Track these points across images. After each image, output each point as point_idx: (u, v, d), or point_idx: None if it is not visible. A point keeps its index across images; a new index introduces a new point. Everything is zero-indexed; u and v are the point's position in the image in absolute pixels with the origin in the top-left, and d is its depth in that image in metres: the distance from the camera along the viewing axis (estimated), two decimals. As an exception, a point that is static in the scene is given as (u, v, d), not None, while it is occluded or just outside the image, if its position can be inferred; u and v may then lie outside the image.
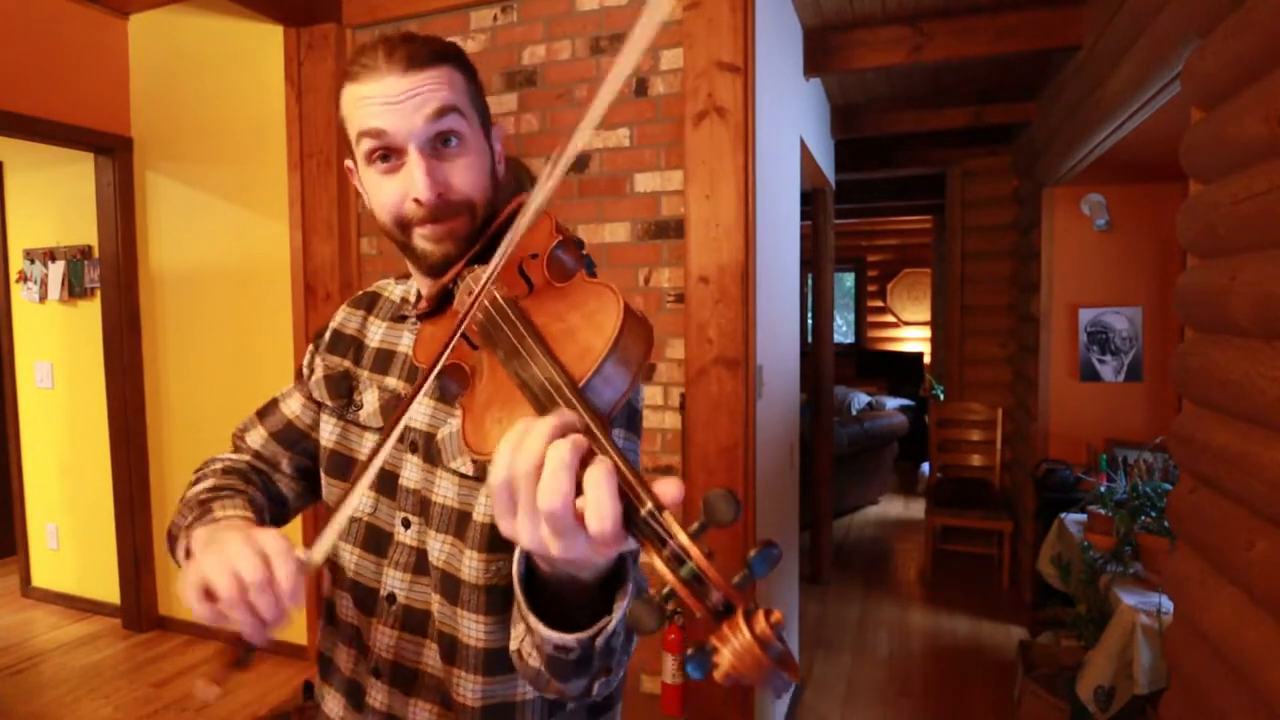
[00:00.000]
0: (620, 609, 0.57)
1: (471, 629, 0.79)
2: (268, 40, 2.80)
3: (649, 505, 0.45)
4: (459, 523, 0.79)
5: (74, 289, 3.36)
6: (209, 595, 0.60)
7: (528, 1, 2.37)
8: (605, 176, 2.30)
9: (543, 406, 0.52)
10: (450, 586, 0.79)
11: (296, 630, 2.95)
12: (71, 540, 3.55)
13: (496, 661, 0.79)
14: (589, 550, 0.47)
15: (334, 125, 2.63)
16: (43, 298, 3.45)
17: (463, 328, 0.63)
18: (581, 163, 2.32)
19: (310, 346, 0.98)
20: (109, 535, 3.33)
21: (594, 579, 0.55)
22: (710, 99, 2.10)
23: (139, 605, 3.28)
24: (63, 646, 3.17)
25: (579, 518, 0.46)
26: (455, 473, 0.80)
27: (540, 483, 0.46)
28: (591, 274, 0.72)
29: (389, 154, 0.74)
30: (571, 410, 0.50)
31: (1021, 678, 2.62)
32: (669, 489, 0.46)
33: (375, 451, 0.62)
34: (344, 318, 0.96)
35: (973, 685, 3.05)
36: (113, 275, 3.18)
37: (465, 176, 0.76)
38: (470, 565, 0.78)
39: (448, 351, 0.63)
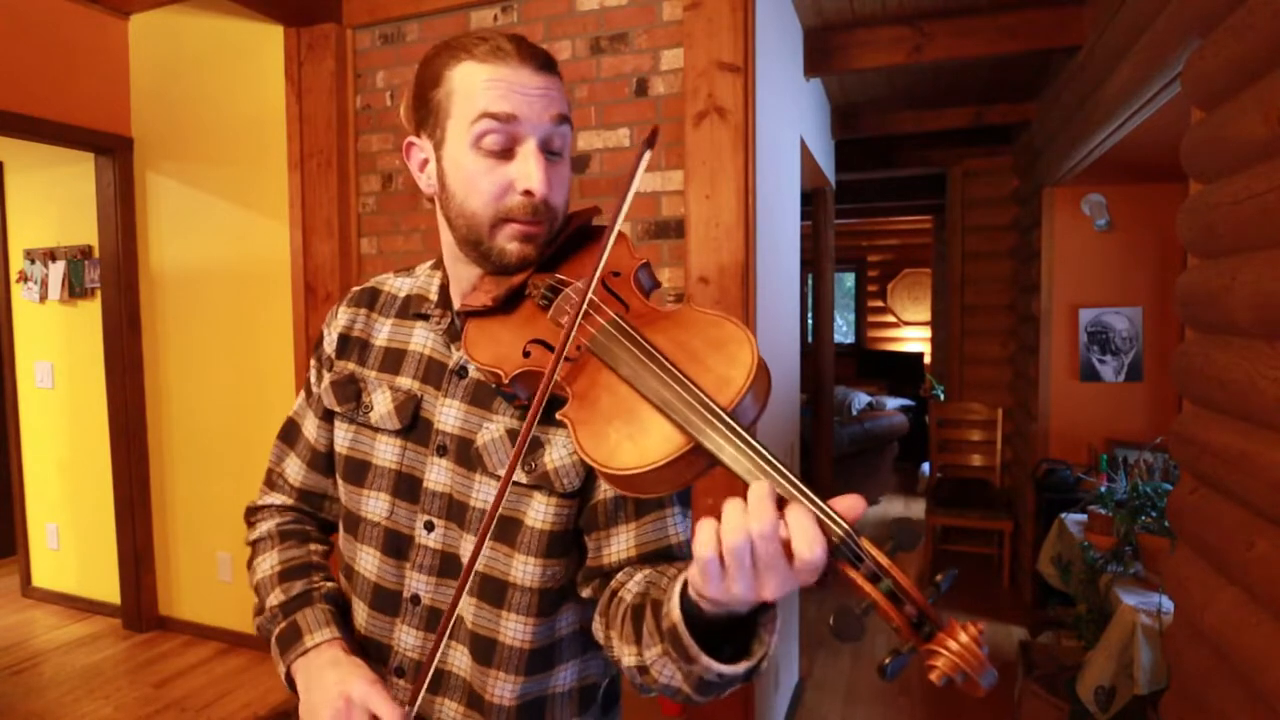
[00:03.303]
0: (774, 634, 0.60)
1: (516, 631, 0.79)
2: (268, 40, 2.80)
3: (844, 527, 0.50)
4: (502, 527, 0.79)
5: (74, 289, 3.36)
6: None
7: (528, 1, 2.37)
8: (605, 176, 2.30)
9: (699, 430, 0.54)
10: (494, 590, 0.79)
11: (296, 630, 2.95)
12: (71, 540, 3.55)
13: (537, 661, 0.80)
14: (795, 581, 0.51)
15: (334, 125, 2.63)
16: (43, 298, 3.45)
17: (570, 341, 0.64)
18: (581, 163, 2.32)
19: (313, 360, 0.94)
20: (109, 535, 3.33)
21: (749, 611, 0.57)
22: (710, 99, 2.10)
23: (139, 605, 3.28)
24: (63, 646, 3.17)
25: (787, 551, 0.50)
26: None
27: (749, 512, 0.51)
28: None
29: (504, 142, 0.73)
30: (738, 438, 0.53)
31: (1022, 678, 2.62)
32: (852, 505, 0.51)
33: (502, 491, 0.64)
34: (347, 319, 0.92)
35: (973, 685, 3.05)
36: (113, 275, 3.18)
37: (561, 187, 0.78)
38: (523, 569, 0.78)
39: (559, 366, 0.64)
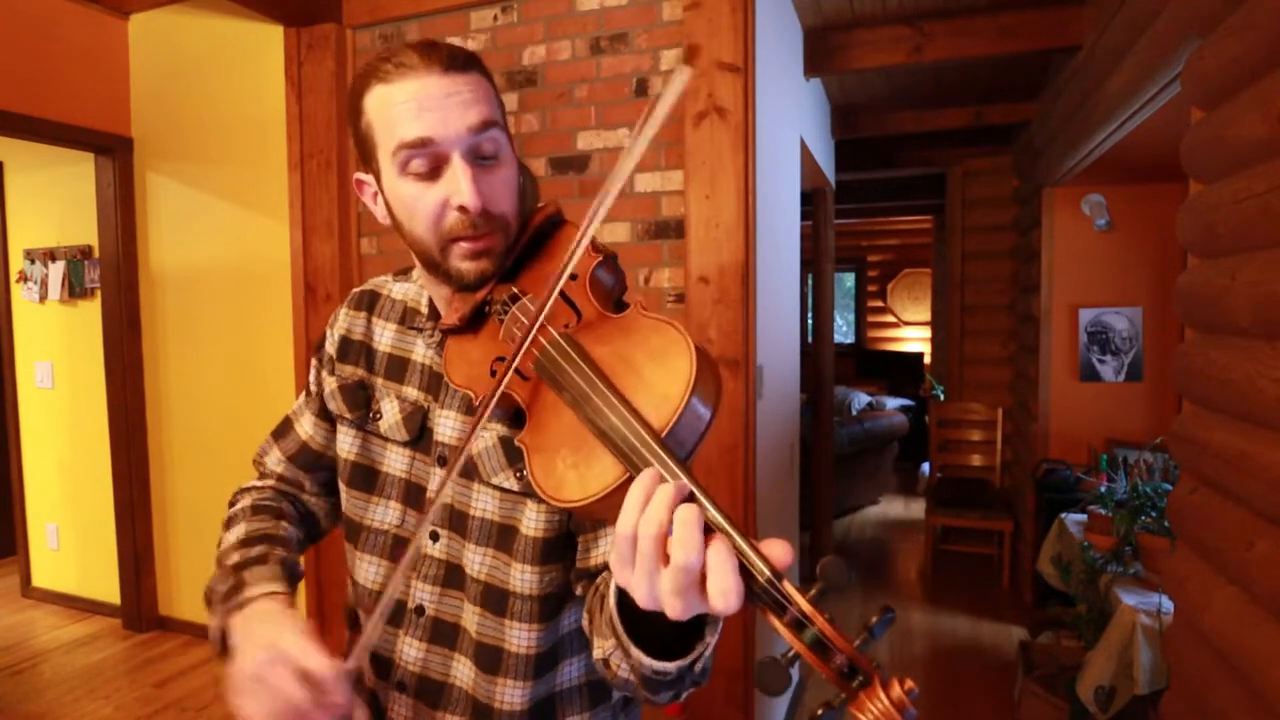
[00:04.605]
0: (714, 633, 0.58)
1: (520, 638, 0.79)
2: (268, 40, 2.80)
3: (766, 574, 0.46)
4: (501, 536, 0.79)
5: (74, 289, 3.35)
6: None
7: (528, 1, 2.37)
8: (605, 176, 2.30)
9: (626, 458, 0.52)
10: (495, 598, 0.79)
11: (296, 630, 2.95)
12: (71, 540, 3.55)
13: (542, 664, 0.80)
14: (702, 609, 0.48)
15: (334, 125, 2.63)
16: (43, 298, 3.45)
17: (514, 367, 0.62)
18: (581, 163, 2.32)
19: (314, 360, 0.94)
20: (109, 535, 3.33)
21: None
22: (710, 99, 2.10)
23: (139, 605, 3.28)
24: (63, 646, 3.17)
25: (702, 582, 0.47)
26: (497, 488, 0.79)
27: (674, 539, 0.47)
28: (623, 287, 0.72)
29: (429, 164, 0.71)
30: (664, 469, 0.50)
31: (1021, 678, 2.62)
32: (780, 553, 0.46)
33: (434, 498, 0.64)
34: (349, 323, 0.91)
35: (973, 685, 3.05)
36: (113, 275, 3.18)
37: (504, 192, 0.74)
38: (521, 578, 0.78)
39: (500, 390, 0.62)
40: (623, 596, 0.59)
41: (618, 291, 0.72)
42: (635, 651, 0.58)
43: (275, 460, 0.95)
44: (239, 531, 0.86)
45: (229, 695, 0.64)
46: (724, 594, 0.45)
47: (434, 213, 0.72)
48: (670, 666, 0.57)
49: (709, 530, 0.48)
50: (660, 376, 0.55)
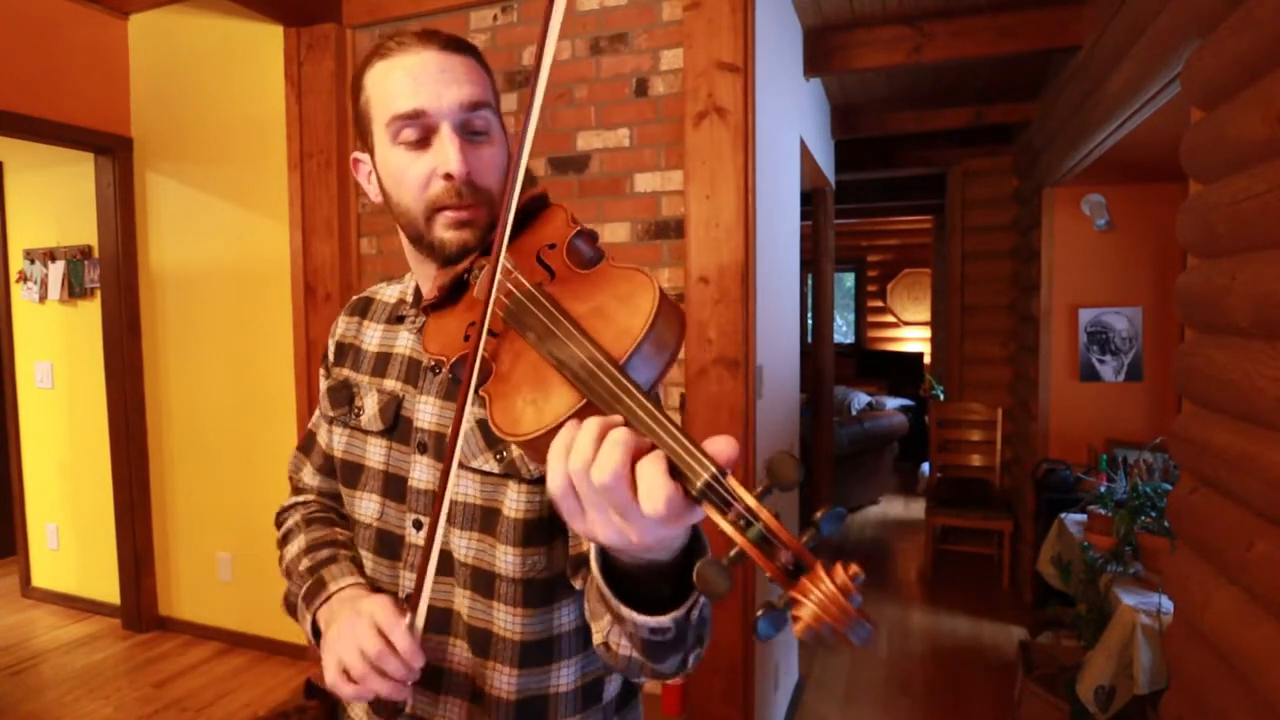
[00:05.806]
0: None
1: (508, 622, 0.79)
2: (268, 40, 2.80)
3: (711, 470, 0.45)
4: (485, 519, 0.80)
5: (74, 289, 3.36)
6: (347, 674, 0.70)
7: (528, 1, 2.37)
8: (605, 176, 2.30)
9: (586, 385, 0.52)
10: (484, 581, 0.80)
11: (296, 631, 2.95)
12: (71, 540, 3.55)
13: (531, 654, 0.80)
14: (661, 529, 0.48)
15: (334, 125, 2.63)
16: (43, 298, 3.45)
17: (489, 312, 0.63)
18: (581, 163, 2.32)
19: (321, 369, 0.98)
20: (109, 535, 3.33)
21: (672, 558, 0.56)
22: (710, 99, 2.10)
23: (139, 605, 3.28)
24: (63, 646, 3.17)
25: (635, 495, 0.47)
26: (477, 471, 0.80)
27: (594, 461, 0.48)
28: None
29: (420, 133, 0.74)
30: (617, 386, 0.51)
31: (1021, 678, 2.62)
32: (723, 448, 0.47)
33: (442, 486, 0.64)
34: (343, 328, 0.96)
35: (973, 685, 3.05)
36: (113, 275, 3.18)
37: (491, 167, 0.77)
38: (505, 560, 0.79)
39: (482, 342, 0.63)
40: (606, 563, 0.59)
41: (594, 265, 0.73)
42: (627, 611, 0.58)
43: (309, 474, 0.98)
44: (299, 543, 0.90)
45: (323, 664, 0.73)
46: (651, 498, 0.46)
47: (421, 181, 0.75)
48: (666, 620, 0.57)
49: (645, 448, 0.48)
50: (624, 314, 0.57)
